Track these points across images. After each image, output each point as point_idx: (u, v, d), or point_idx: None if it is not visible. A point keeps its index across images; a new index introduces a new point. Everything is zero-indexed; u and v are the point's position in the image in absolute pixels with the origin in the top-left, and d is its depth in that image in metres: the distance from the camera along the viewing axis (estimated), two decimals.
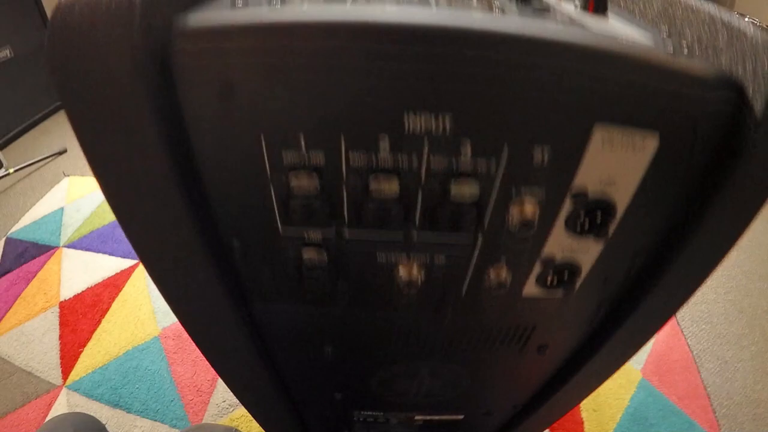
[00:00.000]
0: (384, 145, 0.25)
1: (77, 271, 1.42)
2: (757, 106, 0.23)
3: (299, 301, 0.35)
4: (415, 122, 0.24)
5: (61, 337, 1.22)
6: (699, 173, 0.27)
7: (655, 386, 1.07)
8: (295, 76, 0.22)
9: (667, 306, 0.37)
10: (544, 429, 0.64)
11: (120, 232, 1.59)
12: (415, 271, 0.31)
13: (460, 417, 0.59)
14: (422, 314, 0.35)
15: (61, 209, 1.68)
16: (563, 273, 0.33)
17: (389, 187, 0.26)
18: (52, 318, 1.27)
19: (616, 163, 0.26)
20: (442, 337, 0.39)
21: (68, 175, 1.91)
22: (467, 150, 0.25)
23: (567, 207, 0.28)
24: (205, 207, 0.28)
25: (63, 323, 1.26)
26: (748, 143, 0.24)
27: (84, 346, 1.20)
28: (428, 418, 0.59)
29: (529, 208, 0.27)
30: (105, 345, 1.21)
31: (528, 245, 0.30)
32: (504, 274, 0.31)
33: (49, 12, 2.17)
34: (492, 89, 0.23)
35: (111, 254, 1.50)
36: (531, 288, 0.34)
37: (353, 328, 0.38)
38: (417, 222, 0.28)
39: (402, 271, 0.31)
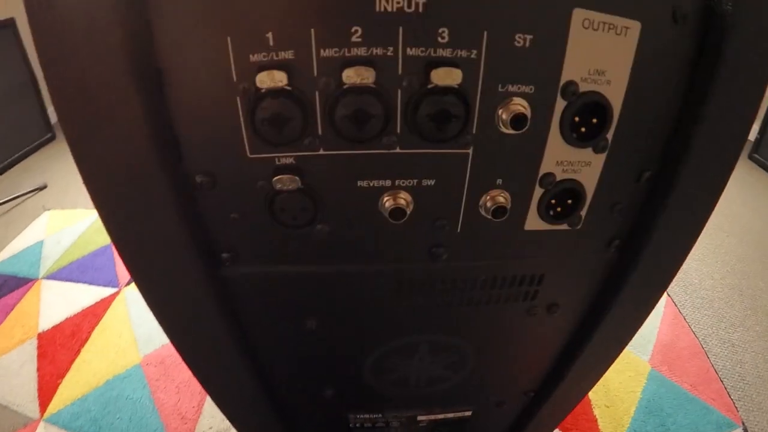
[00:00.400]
0: (356, 34, 0.23)
1: (56, 302, 1.37)
2: None
3: (274, 257, 0.31)
4: (388, 6, 0.22)
5: (39, 369, 1.16)
6: (688, 65, 0.26)
7: (666, 376, 1.05)
8: None
9: (680, 239, 0.34)
10: (559, 421, 0.59)
11: (100, 261, 1.55)
12: (402, 196, 0.27)
13: (469, 413, 0.54)
14: (415, 261, 0.32)
15: (41, 242, 1.64)
16: (566, 197, 0.30)
17: (365, 76, 0.23)
18: (29, 350, 1.22)
19: (602, 52, 0.25)
20: (439, 294, 0.35)
21: (48, 209, 1.89)
22: (445, 36, 0.23)
23: (559, 106, 0.26)
24: (169, 140, 0.25)
25: (41, 355, 1.21)
26: (726, 24, 0.24)
27: (62, 377, 1.14)
28: (433, 417, 0.54)
29: (518, 102, 0.25)
30: (84, 375, 1.15)
31: (524, 156, 0.27)
32: (502, 198, 0.28)
33: (30, 51, 2.16)
34: None
35: (90, 283, 1.46)
36: (534, 219, 0.30)
37: (338, 291, 0.34)
38: (399, 127, 0.25)
39: (387, 199, 0.27)
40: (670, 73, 0.27)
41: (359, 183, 0.27)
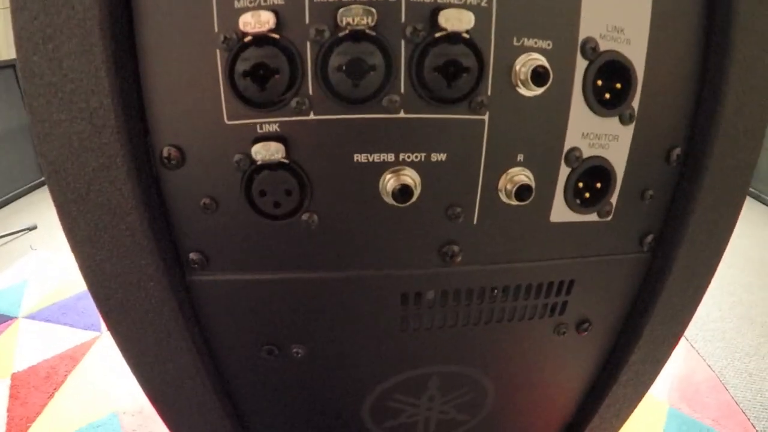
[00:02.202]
0: None
1: (34, 343, 1.33)
2: None
3: (252, 261, 0.26)
4: None
5: (9, 410, 1.10)
6: (704, 27, 0.25)
7: (686, 413, 1.00)
8: None
9: (718, 228, 0.30)
10: None
11: (83, 304, 1.50)
12: (407, 173, 0.23)
13: None
14: (423, 264, 0.27)
15: (25, 281, 1.62)
16: (594, 179, 0.26)
17: (363, 20, 0.19)
18: (1, 389, 1.15)
19: (619, 7, 0.23)
20: (452, 309, 0.30)
21: (35, 249, 1.88)
22: None
23: (580, 67, 0.23)
24: (135, 103, 0.22)
25: (13, 396, 1.14)
26: None
27: (33, 421, 1.07)
28: None
29: (536, 57, 0.22)
30: (56, 420, 1.08)
31: (547, 125, 0.23)
32: (525, 177, 0.24)
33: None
34: None
35: (71, 326, 1.43)
36: (560, 208, 0.26)
37: (329, 307, 0.29)
38: (402, 85, 0.21)
39: (390, 177, 0.23)
40: (689, 32, 0.25)
41: (356, 158, 0.23)
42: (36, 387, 1.14)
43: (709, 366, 1.11)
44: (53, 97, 0.21)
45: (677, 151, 0.27)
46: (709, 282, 0.34)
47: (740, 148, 0.27)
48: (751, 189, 2.05)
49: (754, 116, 0.27)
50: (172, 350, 0.29)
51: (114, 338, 0.29)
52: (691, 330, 1.22)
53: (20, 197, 2.35)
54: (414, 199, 0.23)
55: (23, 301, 1.49)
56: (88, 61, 0.20)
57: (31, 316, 1.42)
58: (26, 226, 2.01)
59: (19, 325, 1.38)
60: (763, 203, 2.04)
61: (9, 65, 2.17)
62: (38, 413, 1.06)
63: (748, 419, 0.98)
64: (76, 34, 0.20)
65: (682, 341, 1.17)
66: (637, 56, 0.24)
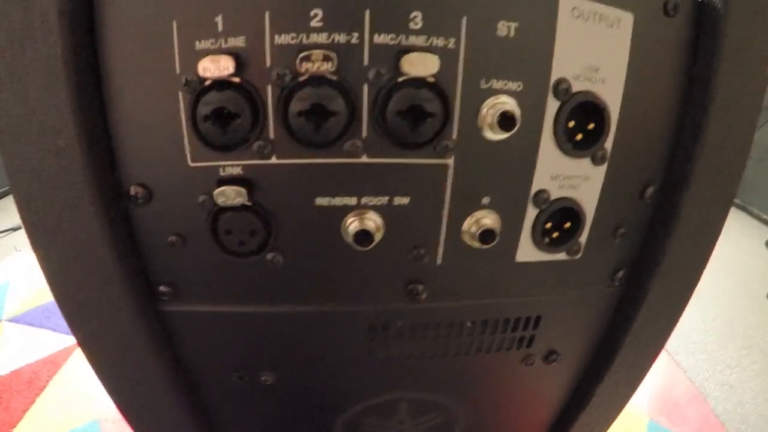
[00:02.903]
0: (317, 18, 0.19)
1: (16, 347, 1.31)
2: None
3: (220, 294, 0.26)
4: None
5: None
6: (686, 61, 0.25)
7: (665, 426, 1.00)
8: None
9: (691, 262, 0.30)
10: None
11: None
12: (370, 217, 0.23)
13: None
14: (389, 301, 0.27)
15: (7, 283, 1.58)
16: (563, 219, 0.26)
17: (324, 65, 0.19)
18: None
19: (595, 47, 0.23)
20: (419, 342, 0.29)
21: (20, 251, 1.85)
22: (418, 21, 0.20)
23: (551, 108, 0.23)
24: (103, 142, 0.22)
25: None
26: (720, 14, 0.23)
27: (14, 426, 1.06)
28: None
29: (504, 100, 0.21)
30: (38, 427, 1.07)
31: (514, 168, 0.23)
32: (490, 221, 0.24)
33: None
34: None
35: (54, 330, 1.41)
36: (527, 248, 0.26)
37: (296, 338, 0.29)
38: (364, 129, 0.21)
39: (352, 221, 0.23)
40: (669, 70, 0.25)
41: (318, 201, 0.23)
42: (18, 392, 1.12)
43: (690, 378, 1.11)
44: (22, 134, 0.21)
45: (652, 189, 0.27)
46: (683, 309, 0.34)
47: (718, 184, 0.27)
48: (736, 200, 2.08)
49: (734, 153, 0.27)
50: (147, 376, 0.29)
51: (90, 364, 0.29)
52: (673, 342, 1.23)
53: (4, 197, 2.30)
54: (376, 242, 0.23)
55: (6, 304, 1.46)
56: (53, 99, 0.20)
57: (14, 320, 1.39)
58: (10, 227, 1.97)
59: (2, 328, 1.36)
60: (749, 213, 2.05)
61: None
62: (20, 419, 1.05)
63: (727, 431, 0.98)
64: (41, 73, 0.20)
65: (663, 354, 1.18)
66: (612, 96, 0.24)
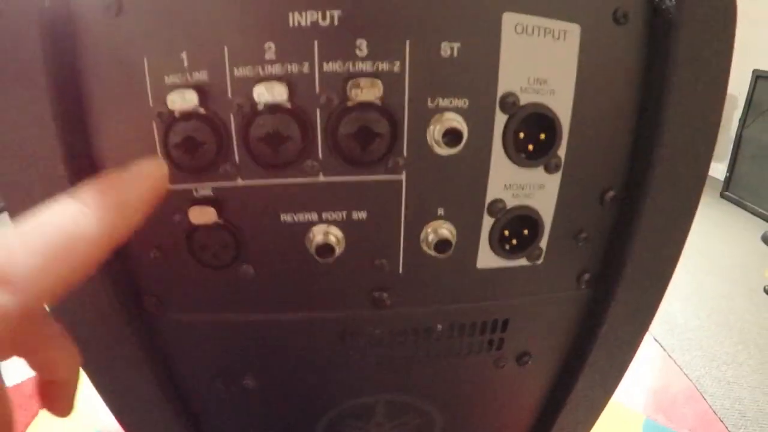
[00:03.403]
0: (270, 50, 0.21)
1: (18, 361, 1.30)
2: None
3: (200, 303, 0.28)
4: (301, 21, 0.21)
5: None
6: (638, 68, 0.25)
7: (663, 424, 0.99)
8: None
9: (658, 265, 0.31)
10: None
11: None
12: (331, 231, 0.24)
13: None
14: (356, 308, 0.28)
15: None
16: (521, 227, 0.27)
17: (278, 93, 0.21)
18: None
19: (542, 59, 0.24)
20: (389, 346, 0.31)
21: None
22: (363, 48, 0.21)
23: (500, 121, 0.24)
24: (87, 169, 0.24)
25: None
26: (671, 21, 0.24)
27: None
28: None
29: (450, 117, 0.22)
30: None
31: (466, 180, 0.25)
32: (446, 231, 0.25)
33: None
34: None
35: None
36: (486, 255, 0.27)
37: (273, 344, 0.30)
38: (320, 151, 0.22)
39: (316, 234, 0.24)
40: (621, 79, 0.26)
41: (283, 217, 0.24)
42: (20, 405, 1.11)
43: (686, 375, 1.11)
44: (14, 160, 0.23)
45: (611, 194, 0.28)
46: (654, 310, 0.35)
47: (679, 188, 0.28)
48: (732, 195, 2.09)
49: (694, 158, 0.27)
50: (137, 381, 0.31)
51: (84, 371, 0.31)
52: (669, 339, 1.23)
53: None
54: (338, 254, 0.24)
55: None
56: (40, 129, 0.22)
57: None
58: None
59: None
60: (745, 209, 2.04)
61: None
62: None
63: (727, 428, 0.98)
64: (30, 110, 0.22)
65: (658, 351, 1.17)
66: (562, 106, 0.25)
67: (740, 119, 2.17)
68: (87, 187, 0.19)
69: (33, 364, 0.21)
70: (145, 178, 0.21)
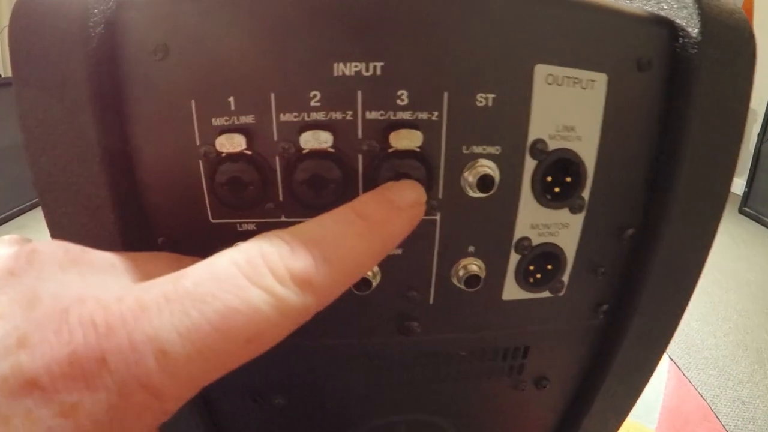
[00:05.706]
0: (315, 98, 0.23)
1: None
2: (692, 31, 0.25)
3: None
4: (346, 71, 0.23)
5: None
6: (660, 113, 0.27)
7: None
8: (225, 37, 0.23)
9: (673, 297, 0.32)
10: None
11: None
12: None
13: None
14: (386, 335, 0.30)
15: None
16: (545, 262, 0.28)
17: (323, 140, 0.22)
18: None
19: (570, 107, 0.25)
20: (415, 370, 0.32)
21: None
22: (404, 99, 0.23)
23: (529, 166, 0.25)
24: (134, 202, 0.25)
25: None
26: (693, 66, 0.25)
27: None
28: None
29: (484, 164, 0.24)
30: None
31: (496, 221, 0.26)
32: (476, 267, 0.27)
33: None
34: (424, 32, 0.22)
35: None
36: (512, 288, 0.29)
37: (304, 366, 0.32)
38: (360, 193, 0.24)
39: None
40: (643, 123, 0.27)
41: None
42: None
43: (701, 394, 1.10)
44: (60, 194, 0.24)
45: (630, 231, 0.29)
46: (668, 340, 0.36)
47: (698, 223, 0.29)
48: (750, 211, 2.06)
49: (711, 197, 0.29)
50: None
51: None
52: (684, 358, 1.22)
53: (23, 214, 2.36)
54: (374, 287, 0.26)
55: None
56: (86, 169, 0.24)
57: None
58: None
59: None
60: (763, 225, 2.01)
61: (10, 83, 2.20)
62: None
63: None
64: (74, 144, 0.23)
65: (674, 370, 1.17)
66: (587, 151, 0.26)
67: (759, 134, 2.15)
68: (369, 202, 0.20)
69: None
70: (415, 205, 0.21)
